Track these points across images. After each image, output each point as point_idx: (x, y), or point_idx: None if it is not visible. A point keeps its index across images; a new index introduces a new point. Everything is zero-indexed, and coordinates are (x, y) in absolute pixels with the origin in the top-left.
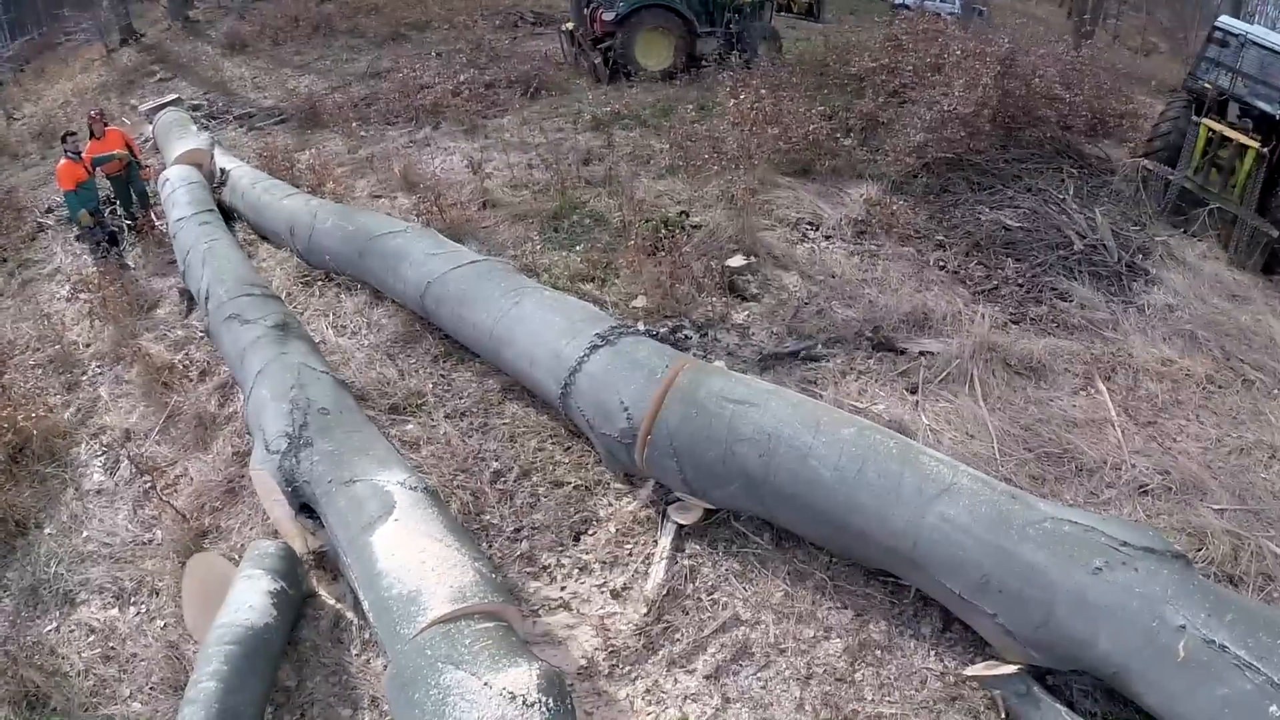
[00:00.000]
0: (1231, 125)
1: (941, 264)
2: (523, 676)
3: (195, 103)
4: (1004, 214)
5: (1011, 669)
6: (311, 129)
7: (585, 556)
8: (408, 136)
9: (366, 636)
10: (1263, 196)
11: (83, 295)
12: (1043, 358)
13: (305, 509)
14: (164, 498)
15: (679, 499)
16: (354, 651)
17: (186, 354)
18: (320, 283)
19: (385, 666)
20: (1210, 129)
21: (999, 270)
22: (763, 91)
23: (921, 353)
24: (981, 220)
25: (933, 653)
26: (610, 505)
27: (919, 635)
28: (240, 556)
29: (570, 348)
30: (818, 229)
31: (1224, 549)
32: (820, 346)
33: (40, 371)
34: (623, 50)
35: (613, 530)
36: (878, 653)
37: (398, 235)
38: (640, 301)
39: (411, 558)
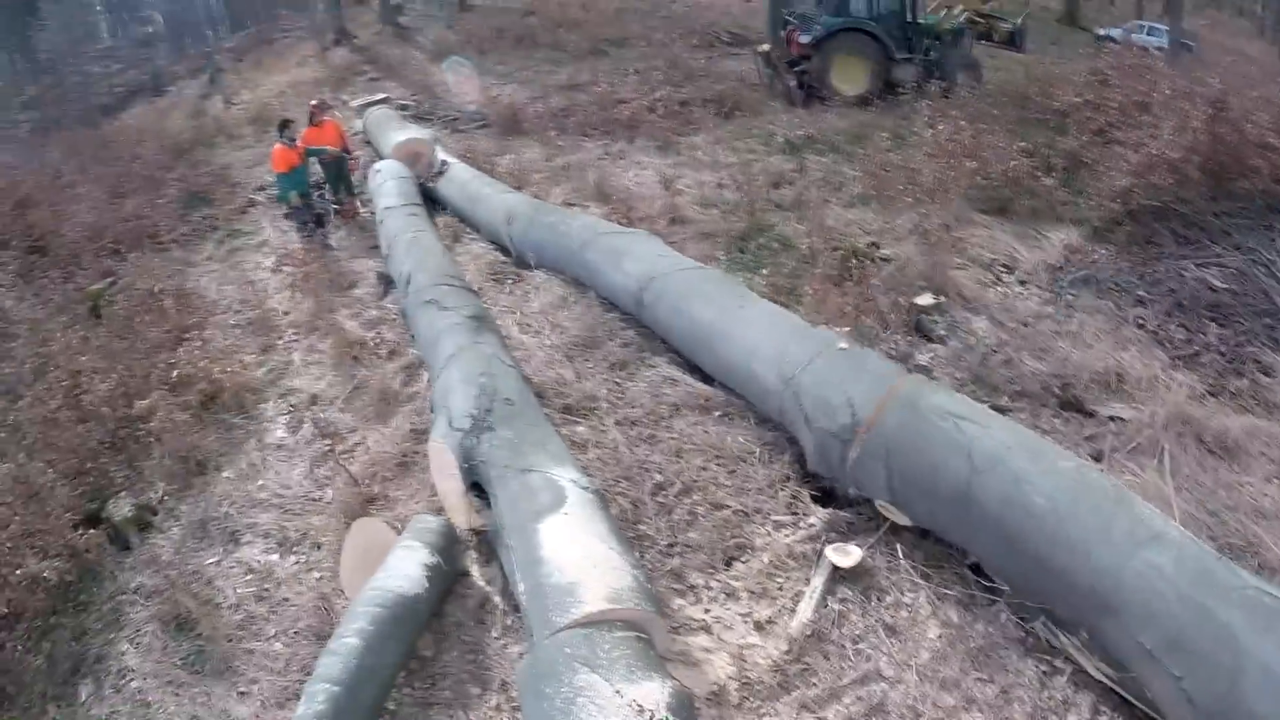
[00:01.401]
0: None
1: (1140, 322)
2: (654, 691)
3: (403, 103)
4: (1210, 273)
5: None
6: (511, 135)
7: (734, 583)
8: (603, 149)
9: (509, 623)
10: None
11: (286, 268)
12: (1239, 437)
13: (475, 488)
14: (341, 461)
15: (839, 543)
16: (494, 634)
17: (378, 333)
18: (511, 280)
19: (522, 655)
20: None
21: (1200, 334)
22: (962, 123)
23: (1111, 417)
24: (1185, 277)
25: None
26: (767, 536)
27: None
28: (403, 526)
29: (797, 348)
30: (1012, 273)
31: None
32: (1006, 399)
33: (239, 331)
34: (818, 74)
35: (766, 561)
36: None
37: (624, 235)
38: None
39: (575, 552)
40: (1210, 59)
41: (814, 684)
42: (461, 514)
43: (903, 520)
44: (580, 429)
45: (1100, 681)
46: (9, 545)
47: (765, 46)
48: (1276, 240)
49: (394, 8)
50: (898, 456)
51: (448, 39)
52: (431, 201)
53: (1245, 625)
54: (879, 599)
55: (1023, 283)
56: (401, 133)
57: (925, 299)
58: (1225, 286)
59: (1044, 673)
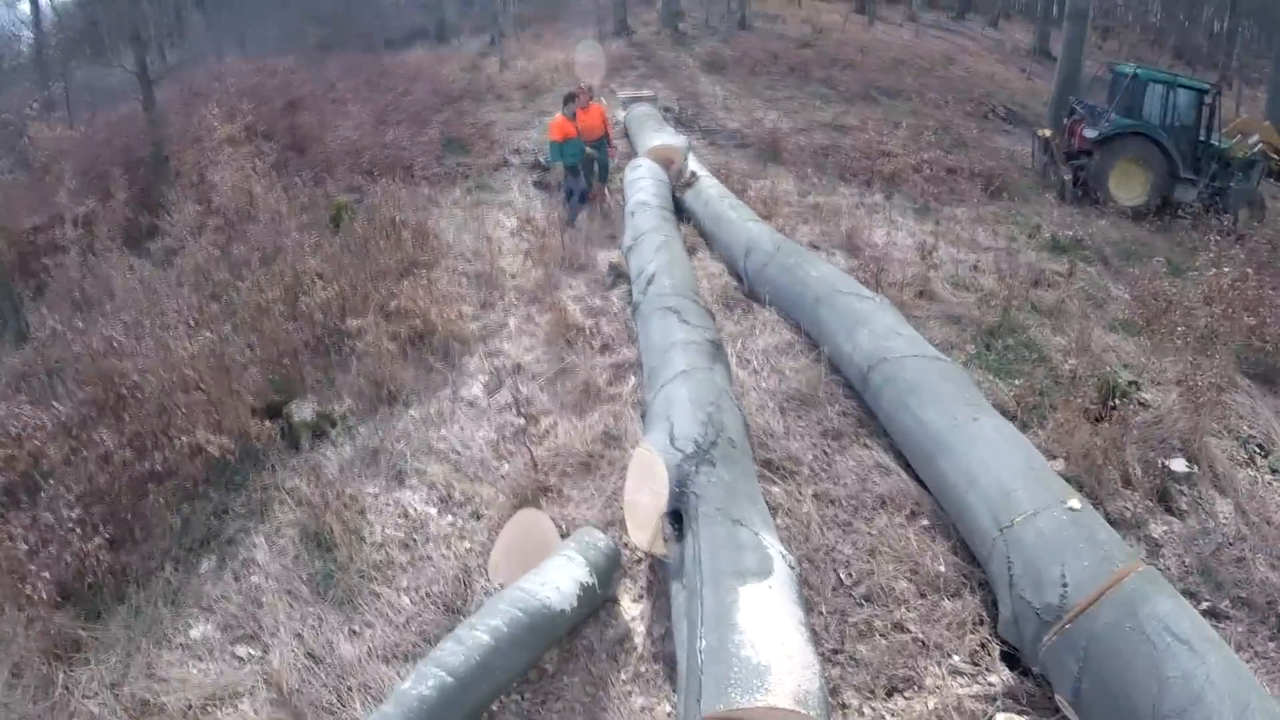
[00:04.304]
0: None
1: None
2: None
3: (667, 105)
4: None
5: None
6: (768, 162)
7: (889, 718)
8: (858, 197)
9: (641, 670)
10: None
11: (526, 233)
12: None
13: (671, 516)
14: (529, 444)
15: (1014, 714)
16: (623, 677)
17: (597, 324)
18: (740, 311)
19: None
20: None
21: None
22: (1248, 270)
23: None
24: None
25: None
26: (940, 679)
27: None
28: (568, 528)
29: (1024, 493)
30: (1267, 456)
31: None
32: (1227, 603)
33: (465, 281)
34: (1096, 173)
35: (930, 706)
36: None
37: (864, 300)
38: (1058, 466)
39: (773, 633)
40: None
41: None
42: (647, 534)
43: None
44: (776, 490)
45: None
46: (184, 410)
47: (1046, 131)
48: None
49: (675, 13)
50: (1095, 661)
51: (722, 53)
52: (679, 211)
53: None
54: None
55: (1275, 471)
56: (659, 135)
57: (1180, 465)
58: None
59: None
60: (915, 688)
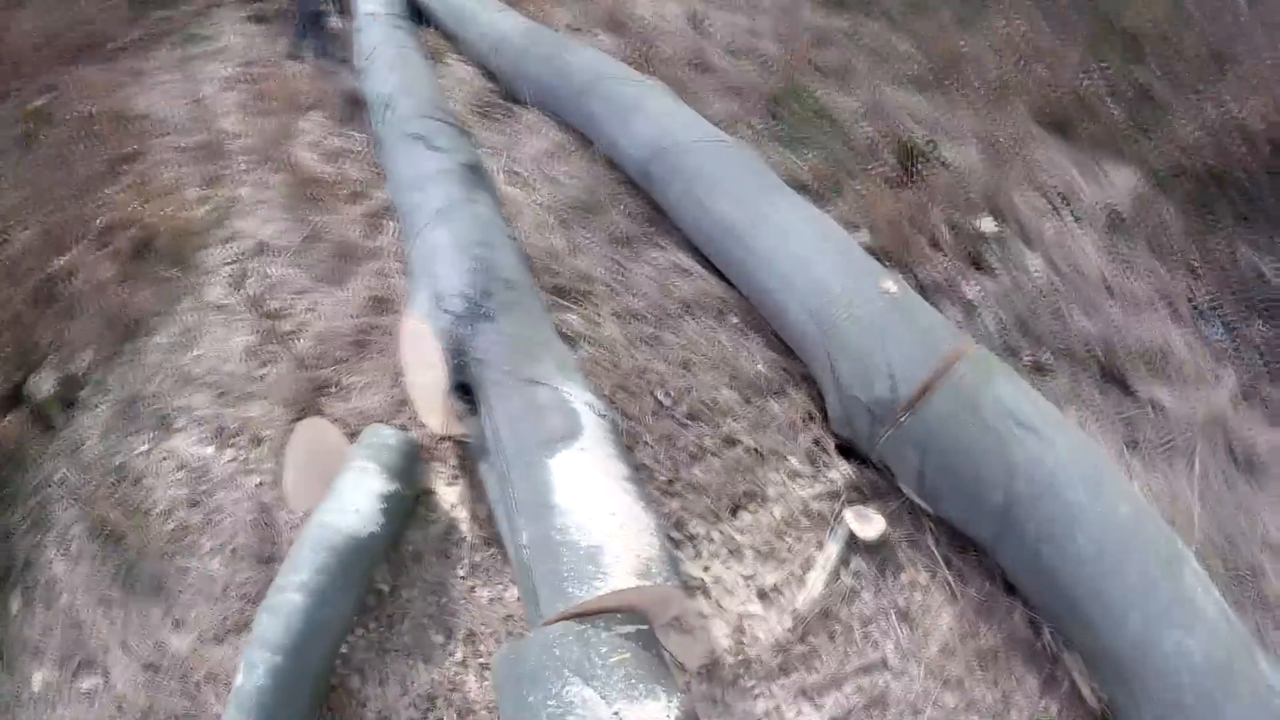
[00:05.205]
0: None
1: (1191, 297)
2: (657, 714)
3: None
4: (1264, 262)
5: None
6: None
7: (740, 538)
8: None
9: (477, 560)
10: None
11: (245, 81)
12: (1265, 453)
13: (459, 389)
14: (285, 342)
15: (860, 505)
16: (460, 573)
17: (340, 168)
18: (500, 116)
19: (501, 644)
20: None
21: (1246, 326)
22: (1042, 22)
23: (1152, 403)
24: (1238, 259)
25: None
26: (782, 485)
27: None
28: (355, 428)
29: (836, 282)
30: (1069, 205)
31: None
32: (1049, 355)
33: (184, 159)
34: None
35: (777, 515)
36: None
37: (633, 85)
38: (864, 237)
39: (597, 504)
40: None
41: (816, 669)
42: (437, 416)
43: (930, 511)
44: (572, 317)
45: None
46: None
47: None
48: None
49: None
50: (936, 453)
51: None
52: (418, 15)
53: None
54: (894, 576)
55: (1078, 219)
56: None
57: (988, 224)
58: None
59: (1043, 683)
60: (759, 500)
